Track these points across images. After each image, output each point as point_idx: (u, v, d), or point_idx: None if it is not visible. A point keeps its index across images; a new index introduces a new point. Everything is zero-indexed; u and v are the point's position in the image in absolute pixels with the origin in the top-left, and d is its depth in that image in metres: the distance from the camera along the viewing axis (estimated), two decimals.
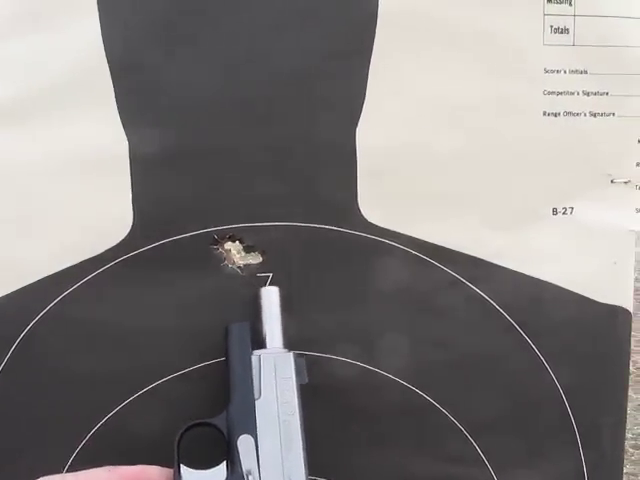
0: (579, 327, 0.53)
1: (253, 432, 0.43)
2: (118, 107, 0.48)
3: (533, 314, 0.52)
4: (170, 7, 0.48)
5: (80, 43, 0.49)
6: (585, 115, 0.51)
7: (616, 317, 0.53)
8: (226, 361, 0.46)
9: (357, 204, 0.49)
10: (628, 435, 0.60)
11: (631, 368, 0.55)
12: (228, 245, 0.49)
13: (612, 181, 0.52)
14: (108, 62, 0.48)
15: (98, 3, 0.48)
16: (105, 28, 0.48)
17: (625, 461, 0.56)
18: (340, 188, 0.49)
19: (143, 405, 0.50)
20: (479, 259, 0.51)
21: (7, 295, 0.49)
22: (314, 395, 0.50)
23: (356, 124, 0.49)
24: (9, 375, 0.50)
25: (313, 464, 0.48)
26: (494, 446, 0.53)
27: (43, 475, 0.44)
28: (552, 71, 0.50)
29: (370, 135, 0.48)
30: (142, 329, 0.50)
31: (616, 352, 0.54)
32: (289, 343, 0.47)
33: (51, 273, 0.49)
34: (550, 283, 0.52)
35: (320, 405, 0.50)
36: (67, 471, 0.50)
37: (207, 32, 0.48)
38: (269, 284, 0.49)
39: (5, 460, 0.51)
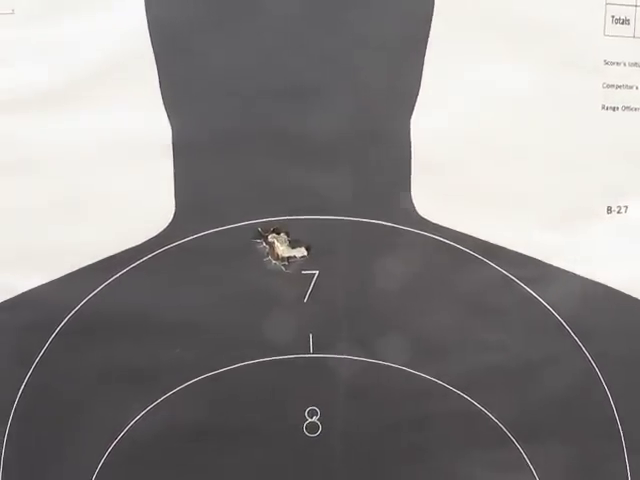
0: (631, 330, 0.51)
1: None
2: (162, 92, 0.46)
3: (585, 316, 0.50)
4: None
5: (124, 25, 0.46)
6: None
7: None
8: None
9: (411, 198, 0.47)
10: None
11: None
12: (272, 237, 0.47)
13: None
14: (152, 46, 0.46)
15: None
16: (150, 10, 0.46)
17: None
18: (393, 181, 0.47)
19: (177, 403, 0.49)
20: (532, 258, 0.49)
21: (49, 282, 0.47)
22: (361, 401, 0.48)
23: (410, 115, 0.47)
24: (48, 363, 0.48)
25: (360, 477, 0.47)
26: (541, 453, 0.51)
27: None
28: (612, 63, 0.48)
29: (425, 126, 0.46)
30: (181, 323, 0.48)
31: None
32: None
33: (92, 262, 0.47)
34: (603, 284, 0.50)
35: (368, 414, 0.48)
36: (102, 466, 0.48)
37: (255, 16, 0.46)
38: (314, 282, 0.47)
39: (42, 449, 0.50)
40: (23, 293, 0.48)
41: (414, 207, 0.47)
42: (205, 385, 0.48)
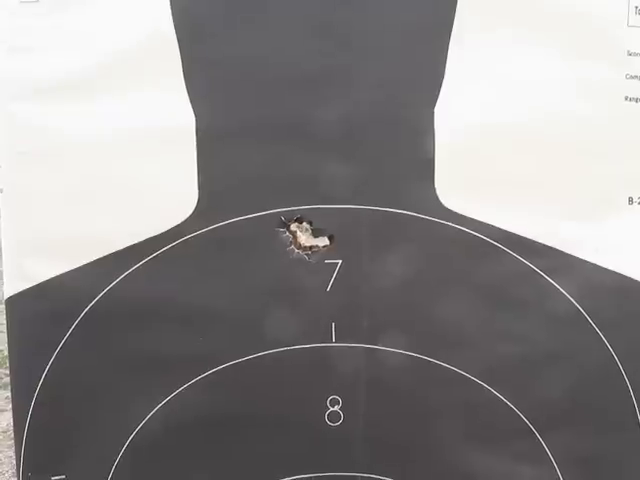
0: None
1: None
2: (185, 80, 0.46)
3: (605, 306, 0.50)
4: None
5: (148, 15, 0.47)
6: None
7: None
8: None
9: (434, 188, 0.47)
10: None
11: None
12: (295, 226, 0.47)
13: None
14: (177, 34, 0.46)
15: None
16: (174, 1, 0.46)
17: None
18: (416, 170, 0.47)
19: (199, 391, 0.49)
20: (555, 249, 0.49)
21: (72, 270, 0.48)
22: (382, 390, 0.48)
23: (434, 104, 0.46)
24: (72, 346, 0.49)
25: (381, 465, 0.47)
26: (560, 443, 0.51)
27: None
28: (635, 54, 0.48)
29: (448, 116, 0.46)
30: (203, 313, 0.48)
31: None
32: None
33: (117, 249, 0.47)
34: (625, 276, 0.50)
35: (389, 403, 0.48)
36: (125, 450, 0.48)
37: (279, 4, 0.46)
38: (337, 272, 0.47)
39: (58, 442, 0.50)
40: (46, 281, 0.49)
41: (437, 196, 0.47)
42: (227, 374, 0.48)
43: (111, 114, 0.47)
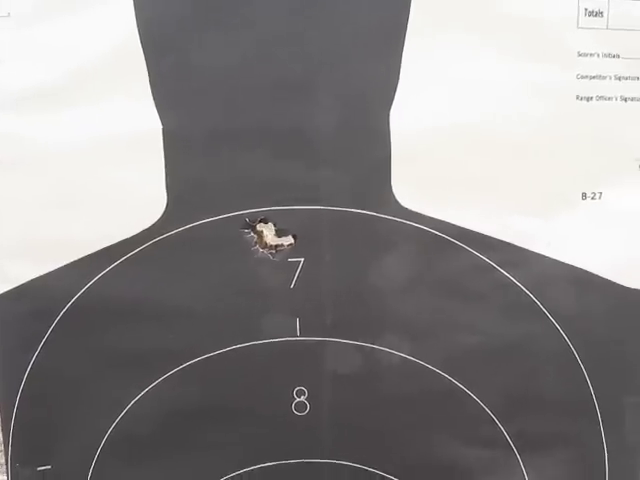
0: (606, 311, 0.53)
1: None
2: (152, 89, 0.49)
3: (561, 299, 0.52)
4: None
5: (114, 25, 0.49)
6: (616, 100, 0.51)
7: None
8: None
9: (391, 188, 0.49)
10: None
11: None
12: (260, 226, 0.50)
13: None
14: (142, 44, 0.49)
15: None
16: (139, 9, 0.48)
17: None
18: (374, 171, 0.49)
19: (173, 384, 0.51)
20: (509, 243, 0.51)
21: (49, 273, 0.50)
22: (346, 382, 0.51)
23: (389, 107, 0.49)
24: (52, 347, 0.52)
25: (346, 451, 0.49)
26: (520, 430, 0.53)
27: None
28: (585, 54, 0.50)
29: (404, 118, 0.48)
30: (174, 310, 0.50)
31: None
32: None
33: (90, 252, 0.50)
34: (579, 268, 0.52)
35: (353, 393, 0.51)
36: (104, 444, 0.51)
37: (239, 14, 0.48)
38: (300, 269, 0.50)
39: (44, 433, 0.53)
40: (27, 282, 0.51)
41: (395, 196, 0.49)
42: (198, 368, 0.51)
43: (81, 122, 0.49)
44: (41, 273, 0.51)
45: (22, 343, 0.52)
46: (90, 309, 0.51)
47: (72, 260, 0.51)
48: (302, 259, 0.50)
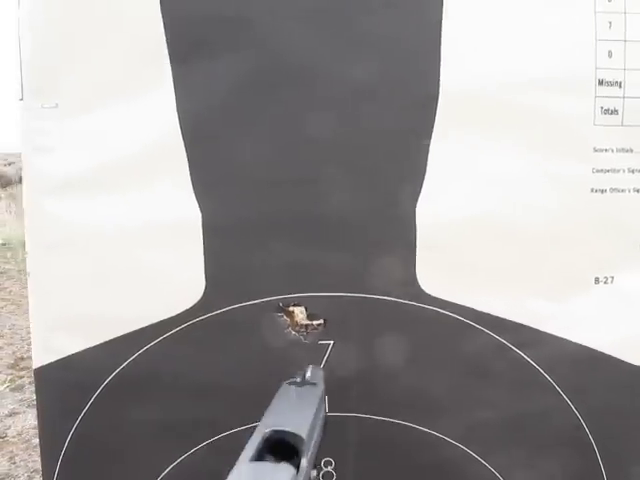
0: (615, 387, 0.56)
1: None
2: (192, 178, 0.52)
3: (573, 377, 0.55)
4: (243, 85, 0.51)
5: (156, 115, 0.52)
6: (629, 191, 0.54)
7: None
8: None
9: (415, 276, 0.52)
10: None
11: None
12: (292, 308, 0.53)
13: None
14: (182, 134, 0.52)
15: (174, 77, 0.51)
16: (180, 101, 0.52)
17: None
18: (400, 260, 0.52)
19: (206, 455, 0.54)
20: (524, 325, 0.54)
21: (92, 347, 0.54)
22: (370, 453, 0.54)
23: (417, 199, 0.52)
24: (88, 421, 0.55)
25: None
26: None
27: None
28: (601, 150, 0.53)
29: (429, 210, 0.52)
30: (210, 386, 0.53)
31: None
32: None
33: (131, 330, 0.53)
34: (589, 347, 0.55)
35: (376, 463, 0.54)
36: None
37: (277, 111, 0.51)
38: (330, 351, 0.53)
39: None
40: (70, 355, 0.54)
41: (418, 283, 0.52)
42: (232, 440, 0.53)
43: (123, 208, 0.52)
44: (85, 347, 0.54)
45: (63, 412, 0.55)
46: (129, 383, 0.54)
47: (114, 336, 0.54)
48: (332, 342, 0.53)
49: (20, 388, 2.28)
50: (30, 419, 2.05)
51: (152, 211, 0.52)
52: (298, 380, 0.48)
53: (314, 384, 0.47)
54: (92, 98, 0.52)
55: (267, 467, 0.36)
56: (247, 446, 0.37)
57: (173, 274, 0.52)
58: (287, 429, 0.38)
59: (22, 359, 2.51)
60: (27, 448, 1.93)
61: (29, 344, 2.80)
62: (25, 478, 1.79)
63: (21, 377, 2.34)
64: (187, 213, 0.52)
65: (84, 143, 0.53)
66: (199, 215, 0.52)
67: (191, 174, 0.52)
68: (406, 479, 0.55)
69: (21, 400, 2.19)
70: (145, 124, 0.52)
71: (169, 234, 0.52)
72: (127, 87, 0.52)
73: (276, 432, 0.38)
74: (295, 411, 0.43)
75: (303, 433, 0.38)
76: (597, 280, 0.55)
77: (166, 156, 0.52)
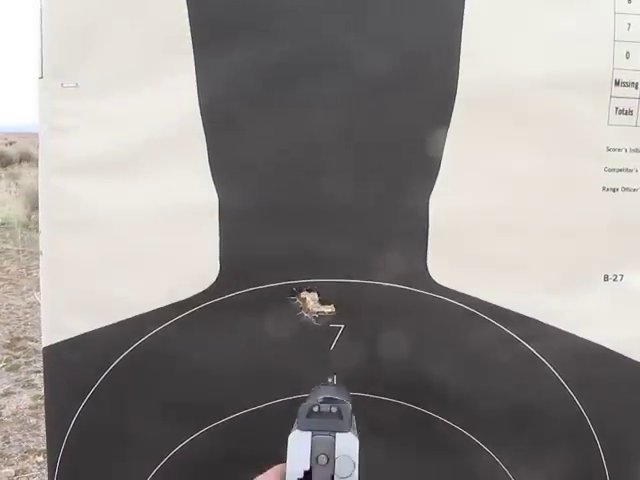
0: (619, 384, 0.57)
1: None
2: (210, 163, 0.52)
3: (580, 373, 0.56)
4: (263, 72, 0.52)
5: (177, 100, 0.52)
6: None
7: None
8: None
9: (426, 266, 0.53)
10: None
11: None
12: (304, 294, 0.53)
13: None
14: (202, 120, 0.52)
15: (195, 63, 0.52)
16: (201, 87, 0.52)
17: None
18: (412, 250, 0.53)
19: (218, 435, 0.55)
20: (533, 319, 0.55)
21: (105, 327, 0.54)
22: (374, 428, 0.55)
23: (430, 191, 0.52)
24: (95, 403, 0.55)
25: None
26: None
27: None
28: (614, 150, 0.53)
29: (442, 202, 0.52)
30: (221, 368, 0.54)
31: None
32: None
33: (143, 312, 0.54)
34: (597, 344, 0.56)
35: (383, 442, 0.55)
36: None
37: (297, 99, 0.52)
38: (340, 335, 0.54)
39: (92, 473, 0.57)
40: (82, 334, 0.55)
41: (429, 273, 0.53)
42: (244, 420, 0.54)
43: (141, 191, 0.53)
44: (95, 327, 0.55)
45: (70, 392, 0.56)
46: (139, 365, 0.54)
47: (125, 318, 0.54)
48: (342, 326, 0.54)
49: (16, 368, 2.29)
50: (25, 399, 2.06)
51: (169, 194, 0.53)
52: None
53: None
54: (113, 80, 0.52)
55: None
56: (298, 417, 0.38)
57: (188, 257, 0.53)
58: (336, 397, 0.39)
59: (18, 339, 2.51)
60: (22, 428, 1.94)
61: (26, 324, 2.82)
62: (19, 458, 1.80)
63: (17, 357, 2.35)
64: (204, 197, 0.52)
65: (103, 124, 0.53)
66: (216, 199, 0.52)
67: (210, 159, 0.52)
68: (409, 458, 0.56)
69: (16, 380, 2.20)
70: (165, 108, 0.52)
71: (185, 217, 0.53)
72: (148, 70, 0.52)
73: (326, 399, 0.40)
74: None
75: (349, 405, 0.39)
76: (606, 277, 0.56)
77: (185, 140, 0.52)
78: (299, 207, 0.52)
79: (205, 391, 0.54)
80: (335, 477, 0.35)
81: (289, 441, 0.37)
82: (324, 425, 0.37)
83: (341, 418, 0.38)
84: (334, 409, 0.38)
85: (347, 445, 0.36)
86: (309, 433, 0.37)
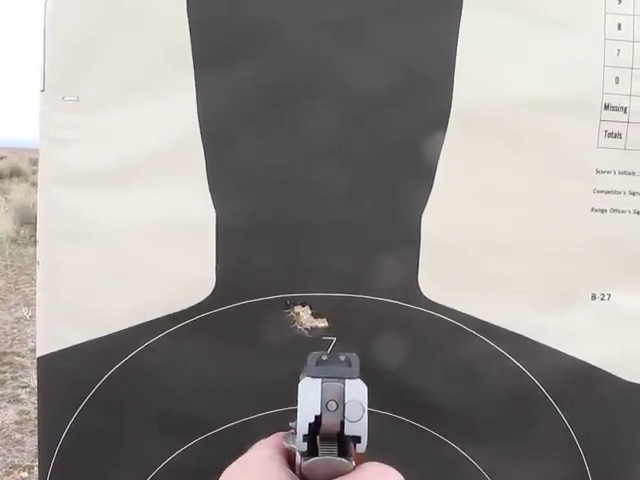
0: (606, 401, 0.58)
1: None
2: (208, 179, 0.53)
3: (566, 389, 0.57)
4: (263, 92, 0.53)
5: (176, 116, 0.53)
6: (630, 213, 0.56)
7: None
8: None
9: (417, 282, 0.54)
10: None
11: None
12: (298, 308, 0.54)
13: None
14: (201, 136, 0.53)
15: (196, 80, 0.53)
16: (201, 104, 0.53)
17: None
18: (403, 266, 0.54)
19: (209, 445, 0.55)
20: (522, 336, 0.56)
21: (100, 338, 0.55)
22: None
23: (422, 210, 0.53)
24: (88, 413, 0.55)
25: None
26: None
27: None
28: (603, 172, 0.55)
29: (435, 220, 0.53)
30: (215, 376, 0.55)
31: None
32: None
33: (135, 324, 0.54)
34: (584, 362, 0.57)
35: (369, 453, 0.55)
36: None
37: (293, 117, 0.53)
38: (332, 347, 0.54)
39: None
40: (76, 345, 0.55)
41: (420, 289, 0.54)
42: (237, 431, 0.54)
43: (139, 204, 0.53)
44: (90, 338, 0.55)
45: (63, 402, 0.56)
46: (133, 376, 0.55)
47: (119, 329, 0.54)
48: (334, 339, 0.54)
49: (2, 383, 2.26)
50: (11, 414, 2.03)
51: (167, 208, 0.53)
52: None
53: None
54: (114, 94, 0.53)
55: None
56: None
57: (184, 270, 0.54)
58: (339, 354, 0.39)
59: (5, 354, 2.49)
60: (6, 443, 1.91)
61: (13, 339, 2.80)
62: (3, 473, 1.77)
63: (3, 372, 2.33)
64: (202, 212, 0.53)
65: (104, 138, 0.54)
66: (214, 214, 0.53)
67: (208, 176, 0.53)
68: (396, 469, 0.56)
69: (2, 395, 2.18)
70: (165, 124, 0.53)
71: (183, 231, 0.53)
72: (149, 86, 0.53)
73: (329, 355, 0.39)
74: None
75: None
76: (594, 296, 0.57)
77: (184, 157, 0.53)
78: (294, 223, 0.53)
79: (199, 402, 0.55)
80: (345, 421, 0.36)
81: (299, 388, 0.37)
82: (333, 372, 0.38)
83: (350, 365, 0.38)
84: (342, 357, 0.39)
85: (357, 391, 0.37)
86: (319, 380, 0.37)
